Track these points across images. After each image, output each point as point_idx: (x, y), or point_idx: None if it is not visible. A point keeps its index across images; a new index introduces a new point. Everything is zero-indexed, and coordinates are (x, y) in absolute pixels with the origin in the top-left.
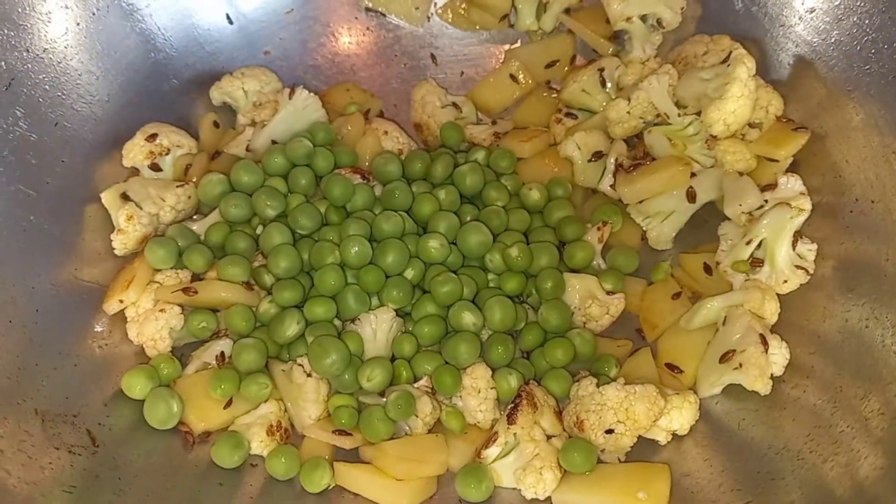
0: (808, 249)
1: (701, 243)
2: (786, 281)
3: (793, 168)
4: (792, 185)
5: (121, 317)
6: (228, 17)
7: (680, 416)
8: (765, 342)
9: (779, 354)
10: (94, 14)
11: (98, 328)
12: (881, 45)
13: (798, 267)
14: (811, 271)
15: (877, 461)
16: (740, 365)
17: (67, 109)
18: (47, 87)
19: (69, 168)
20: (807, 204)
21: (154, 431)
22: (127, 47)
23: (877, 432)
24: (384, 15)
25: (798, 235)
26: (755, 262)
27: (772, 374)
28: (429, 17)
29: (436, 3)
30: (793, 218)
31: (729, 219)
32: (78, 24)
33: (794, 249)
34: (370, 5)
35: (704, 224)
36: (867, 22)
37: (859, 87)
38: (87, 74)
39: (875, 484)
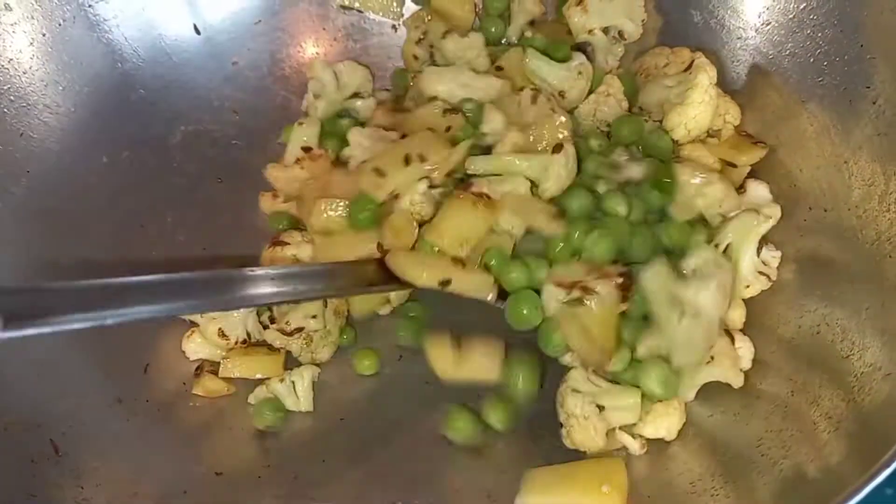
0: (772, 256)
1: None
2: (748, 286)
3: (749, 177)
4: (760, 192)
5: None
6: (196, 28)
7: (667, 422)
8: (730, 335)
9: (744, 349)
10: (60, 25)
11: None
12: (833, 57)
13: (761, 273)
14: (773, 278)
15: (836, 451)
16: (712, 358)
17: (33, 119)
18: (12, 97)
19: (34, 178)
20: (776, 211)
21: (117, 441)
22: (93, 58)
23: (823, 436)
24: (360, 12)
25: (763, 242)
26: None
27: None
28: (395, 28)
29: (403, 15)
30: (759, 225)
31: None
32: (44, 35)
33: (758, 256)
34: (346, 3)
35: None
36: (819, 35)
37: (813, 97)
38: (53, 85)
39: (835, 471)
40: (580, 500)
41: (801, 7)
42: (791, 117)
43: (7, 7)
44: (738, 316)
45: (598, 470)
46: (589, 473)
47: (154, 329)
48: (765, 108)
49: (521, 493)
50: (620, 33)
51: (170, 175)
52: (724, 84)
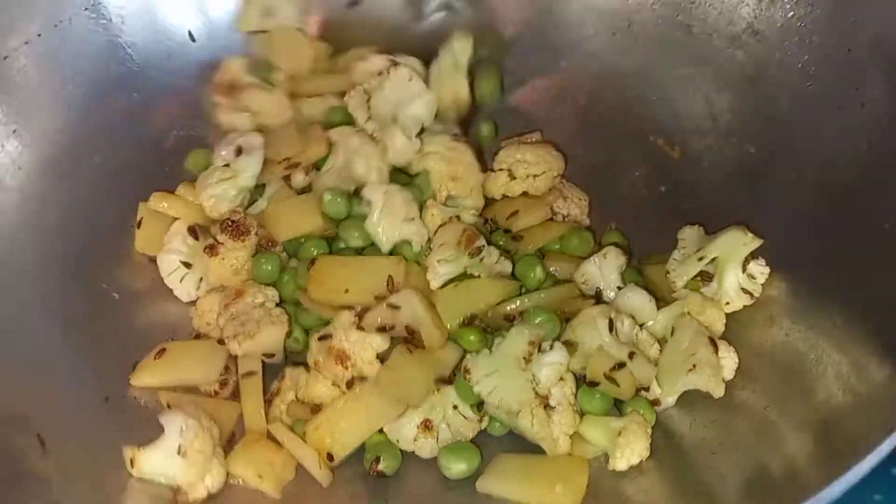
0: (760, 271)
1: (663, 249)
2: (728, 303)
3: None
4: None
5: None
6: (191, 35)
7: (638, 447)
8: (714, 344)
9: (728, 358)
10: (56, 26)
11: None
12: (821, 63)
13: (744, 290)
14: (756, 295)
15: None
16: (693, 367)
17: (26, 118)
18: (6, 96)
19: (26, 177)
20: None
21: (105, 437)
22: (89, 60)
23: (818, 430)
24: None
25: (750, 257)
26: (704, 276)
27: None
28: None
29: None
30: (746, 245)
31: (690, 224)
32: (39, 36)
33: (743, 272)
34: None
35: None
36: (807, 41)
37: (802, 103)
38: (48, 86)
39: (813, 476)
40: (531, 494)
41: (789, 15)
42: (780, 124)
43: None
44: (716, 316)
45: (559, 468)
46: (549, 470)
47: (143, 325)
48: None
49: (483, 475)
50: None
51: (162, 178)
52: (714, 93)
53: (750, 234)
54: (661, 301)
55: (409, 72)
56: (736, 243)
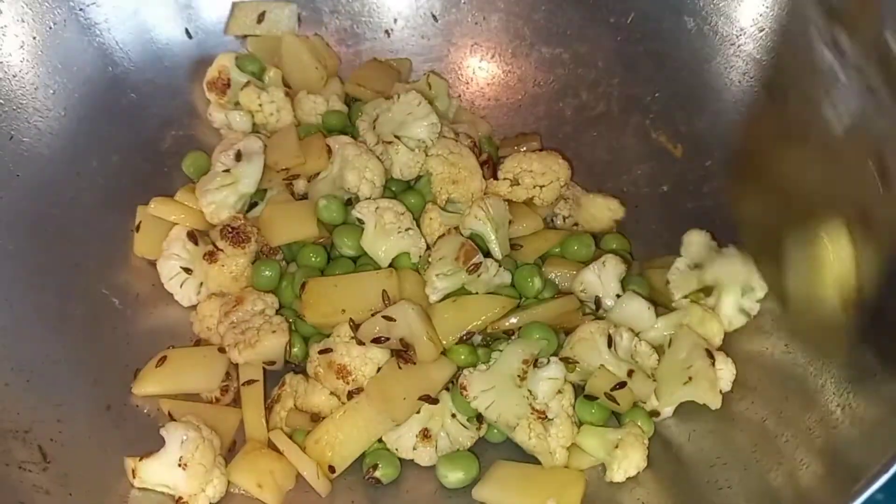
0: (759, 286)
1: (665, 250)
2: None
3: None
4: None
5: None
6: (187, 32)
7: (636, 457)
8: (711, 356)
9: (725, 370)
10: (50, 28)
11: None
12: (827, 65)
13: (742, 311)
14: (753, 314)
15: (818, 469)
16: (690, 379)
17: (23, 123)
18: (2, 100)
19: (24, 182)
20: None
21: (107, 447)
22: (84, 61)
23: (818, 442)
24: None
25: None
26: (706, 290)
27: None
28: (388, 33)
29: (396, 18)
30: (748, 271)
31: (692, 227)
32: (34, 38)
33: (743, 295)
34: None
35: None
36: (812, 41)
37: (807, 103)
38: (44, 88)
39: (815, 490)
40: None
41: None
42: (784, 123)
43: None
44: (715, 329)
45: (554, 480)
46: (544, 482)
47: (144, 330)
48: (760, 115)
49: (480, 484)
50: None
51: (160, 180)
52: (718, 93)
53: (751, 261)
54: (662, 307)
55: (418, 96)
56: (735, 266)
